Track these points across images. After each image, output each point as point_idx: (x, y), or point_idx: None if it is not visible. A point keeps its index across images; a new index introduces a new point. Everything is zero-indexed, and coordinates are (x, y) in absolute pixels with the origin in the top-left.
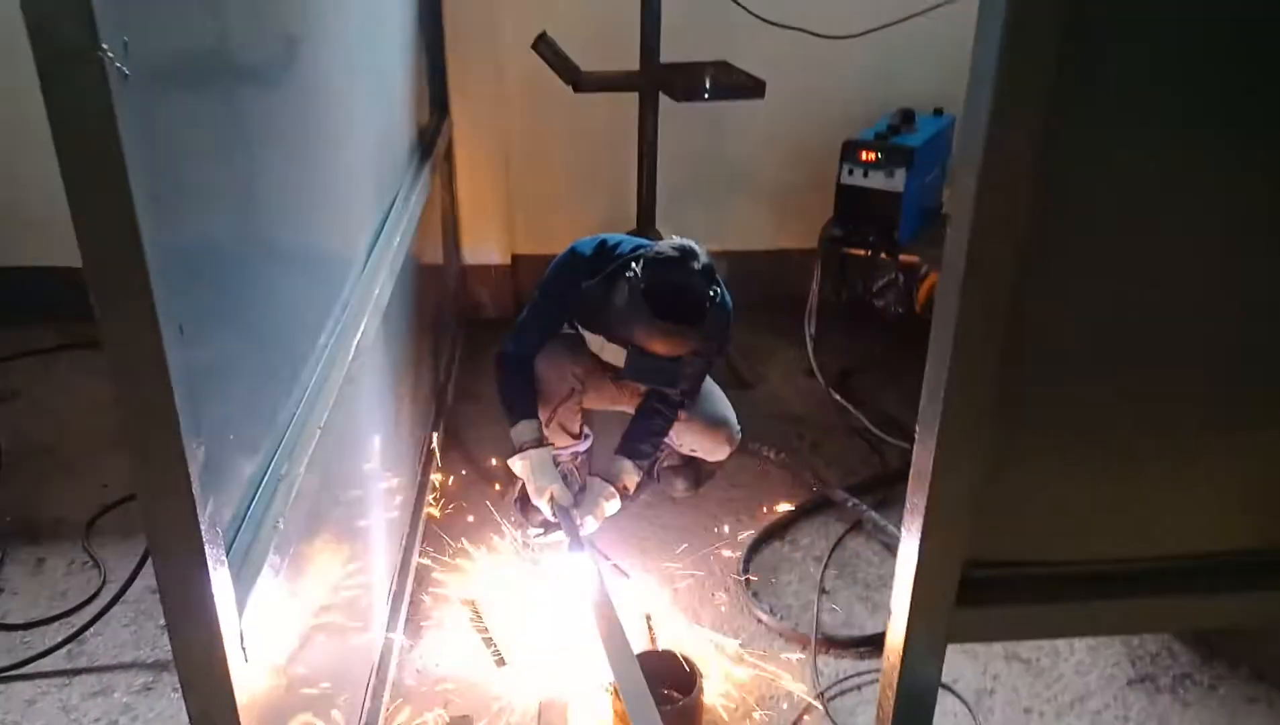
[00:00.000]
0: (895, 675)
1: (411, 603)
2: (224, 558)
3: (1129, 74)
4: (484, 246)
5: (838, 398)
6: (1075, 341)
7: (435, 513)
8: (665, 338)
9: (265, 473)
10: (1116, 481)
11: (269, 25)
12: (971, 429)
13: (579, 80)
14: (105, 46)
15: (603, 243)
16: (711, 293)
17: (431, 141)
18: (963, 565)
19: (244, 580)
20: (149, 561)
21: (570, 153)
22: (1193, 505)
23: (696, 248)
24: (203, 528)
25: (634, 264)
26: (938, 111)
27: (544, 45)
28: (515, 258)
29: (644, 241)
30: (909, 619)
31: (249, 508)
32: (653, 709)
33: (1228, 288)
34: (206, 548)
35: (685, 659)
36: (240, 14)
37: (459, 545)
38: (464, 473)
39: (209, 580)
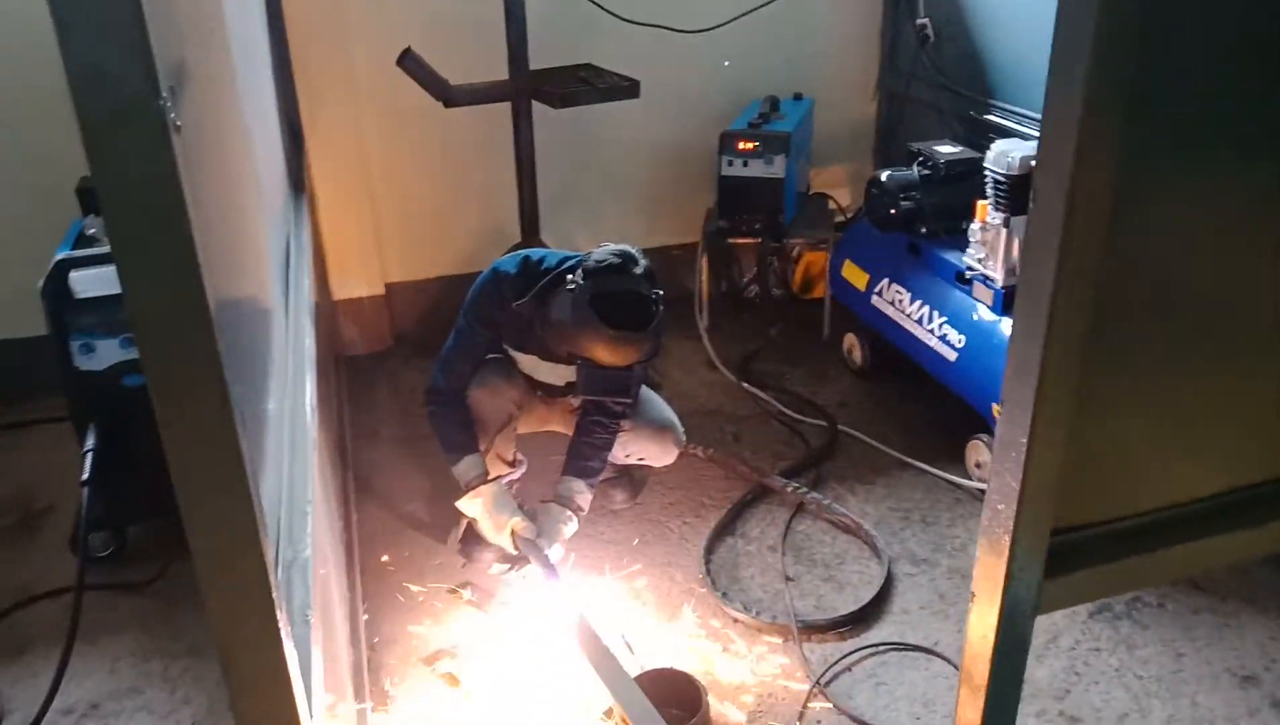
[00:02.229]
0: (987, 660)
1: (371, 669)
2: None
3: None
4: (353, 279)
5: (748, 386)
6: (1146, 303)
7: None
8: (619, 347)
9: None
10: (1184, 427)
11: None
12: (1063, 397)
13: (450, 95)
14: (165, 96)
15: (526, 259)
16: (655, 295)
17: (299, 174)
18: (1050, 534)
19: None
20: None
21: (439, 171)
22: (1258, 438)
23: (635, 251)
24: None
25: (571, 276)
26: (797, 96)
27: (410, 62)
28: (389, 287)
29: (569, 253)
30: (1003, 599)
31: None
32: None
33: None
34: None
35: (683, 675)
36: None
37: (414, 599)
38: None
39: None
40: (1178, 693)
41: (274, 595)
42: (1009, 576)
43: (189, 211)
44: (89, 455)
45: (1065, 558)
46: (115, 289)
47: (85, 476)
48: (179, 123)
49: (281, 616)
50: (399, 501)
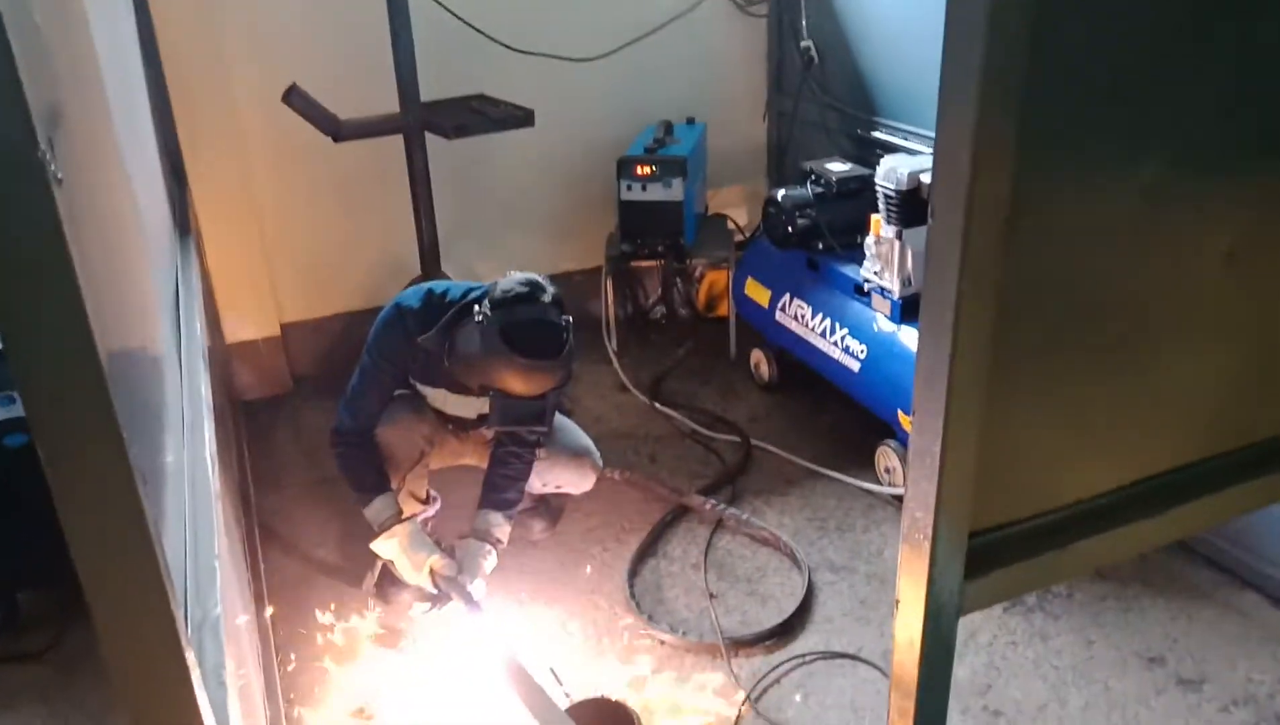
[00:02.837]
0: (915, 664)
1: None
2: None
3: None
4: (246, 321)
5: (660, 407)
6: (1047, 306)
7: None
8: (532, 376)
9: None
10: (1089, 424)
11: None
12: (972, 404)
13: (339, 130)
14: (44, 147)
15: (429, 292)
16: (565, 322)
17: (184, 216)
18: (968, 537)
19: None
20: None
21: (332, 206)
22: (1159, 430)
23: (541, 280)
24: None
25: (478, 307)
26: (690, 121)
27: (296, 97)
28: (285, 327)
29: (472, 285)
30: (926, 603)
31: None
32: None
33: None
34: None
35: (614, 703)
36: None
37: (330, 647)
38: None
39: None
40: (1091, 679)
41: (186, 658)
42: (931, 580)
43: (75, 266)
44: None
45: (984, 558)
46: None
47: None
48: (60, 175)
49: (195, 680)
50: (308, 547)
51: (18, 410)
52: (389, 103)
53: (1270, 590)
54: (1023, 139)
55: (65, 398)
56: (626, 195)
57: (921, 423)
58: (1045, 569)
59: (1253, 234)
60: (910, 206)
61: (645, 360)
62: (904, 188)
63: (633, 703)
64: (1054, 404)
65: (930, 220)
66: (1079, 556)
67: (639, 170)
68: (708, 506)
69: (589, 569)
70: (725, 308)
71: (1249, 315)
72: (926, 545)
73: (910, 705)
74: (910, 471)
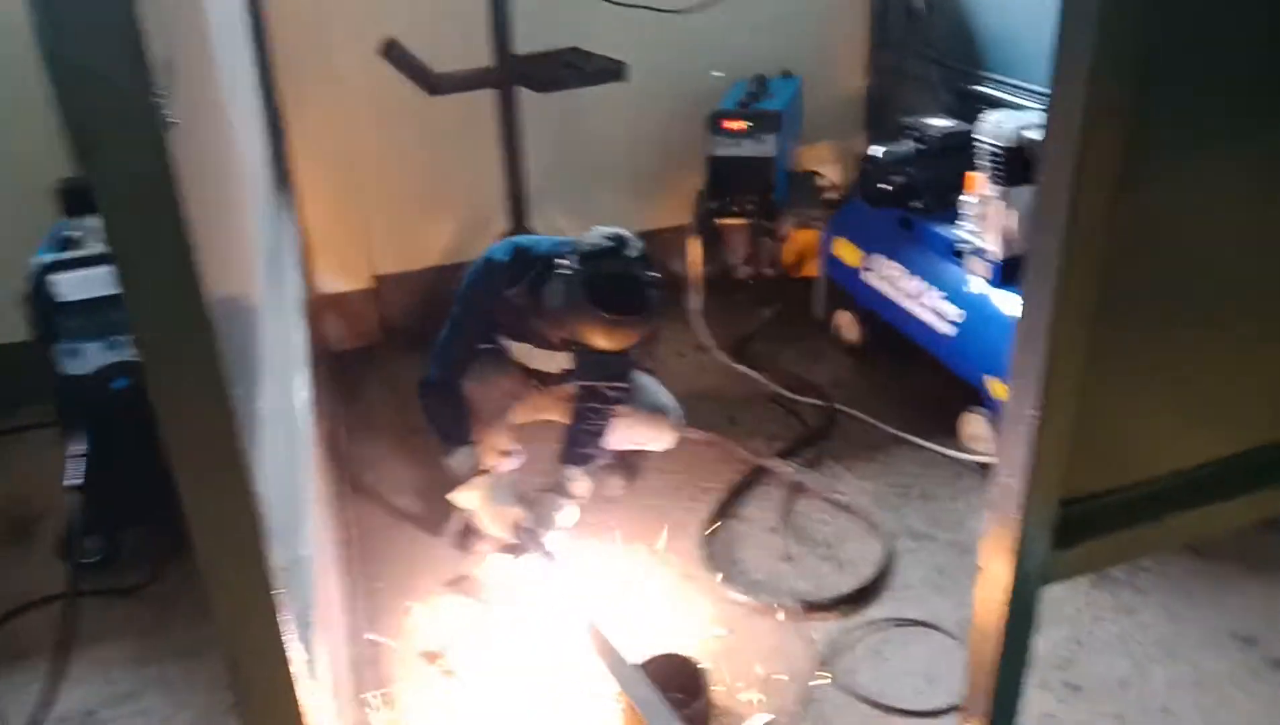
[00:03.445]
0: (995, 634)
1: (370, 663)
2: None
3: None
4: (340, 273)
5: (743, 368)
6: (1152, 273)
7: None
8: (615, 331)
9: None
10: (1188, 394)
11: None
12: (1071, 368)
13: (435, 83)
14: (159, 93)
15: (518, 246)
16: (650, 278)
17: (282, 169)
18: (1059, 505)
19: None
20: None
21: (425, 161)
22: (1261, 403)
23: (627, 235)
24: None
25: (564, 261)
26: (786, 74)
27: (395, 52)
28: (377, 280)
29: (561, 240)
30: (1012, 572)
31: None
32: (669, 714)
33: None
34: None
35: (684, 659)
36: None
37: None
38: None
39: None
40: (1178, 657)
41: (278, 596)
42: (1018, 549)
43: (187, 211)
44: (77, 460)
45: (1073, 528)
46: (100, 292)
47: (72, 481)
48: (173, 120)
49: (285, 617)
50: (392, 495)
51: (121, 354)
52: (482, 56)
53: None
54: (1139, 97)
55: (175, 342)
56: (717, 151)
57: (1018, 386)
58: (1138, 541)
59: None
60: (1014, 164)
61: (730, 320)
62: (1009, 144)
63: (703, 661)
64: (1155, 372)
65: (1040, 176)
66: (1174, 529)
67: (731, 125)
68: (787, 470)
69: (665, 528)
70: (812, 268)
71: None
72: (1015, 513)
73: (989, 673)
74: (1003, 436)
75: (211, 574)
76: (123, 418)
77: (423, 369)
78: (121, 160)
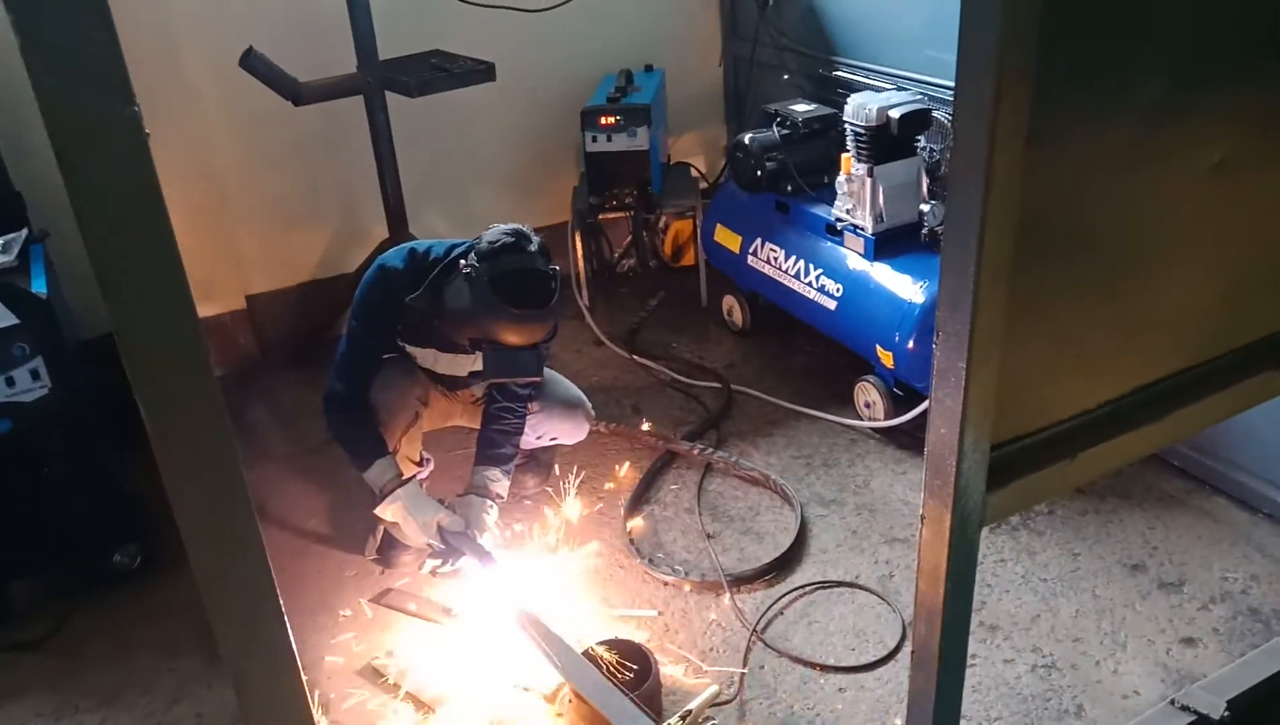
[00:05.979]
0: (942, 576)
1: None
2: None
3: None
4: (211, 294)
5: (637, 358)
6: (1061, 228)
7: None
8: (524, 325)
9: None
10: (1090, 340)
11: None
12: (994, 323)
13: (299, 92)
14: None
15: (413, 252)
16: (553, 271)
17: None
18: (990, 449)
19: None
20: None
21: (294, 173)
22: (1154, 341)
23: (526, 229)
24: None
25: (465, 260)
26: (648, 68)
27: (254, 61)
28: (250, 299)
29: (454, 241)
30: (952, 516)
31: None
32: (620, 698)
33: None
34: None
35: (631, 643)
36: None
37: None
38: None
39: None
40: (1079, 588)
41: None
42: (956, 494)
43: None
44: None
45: (1003, 470)
46: None
47: None
48: (148, 131)
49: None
50: (300, 520)
51: (2, 394)
52: (345, 64)
53: (1238, 494)
54: (1042, 61)
55: (165, 350)
56: (592, 146)
57: (946, 341)
58: (1058, 477)
59: (1239, 144)
60: (881, 143)
61: (617, 313)
62: (874, 124)
63: (644, 643)
64: (1058, 321)
65: (952, 142)
66: (1088, 464)
67: (603, 120)
68: (695, 451)
69: (586, 518)
70: (692, 256)
71: (1234, 223)
72: (952, 459)
73: (938, 618)
74: (934, 389)
75: (209, 583)
76: (4, 465)
77: (311, 387)
78: (105, 172)
